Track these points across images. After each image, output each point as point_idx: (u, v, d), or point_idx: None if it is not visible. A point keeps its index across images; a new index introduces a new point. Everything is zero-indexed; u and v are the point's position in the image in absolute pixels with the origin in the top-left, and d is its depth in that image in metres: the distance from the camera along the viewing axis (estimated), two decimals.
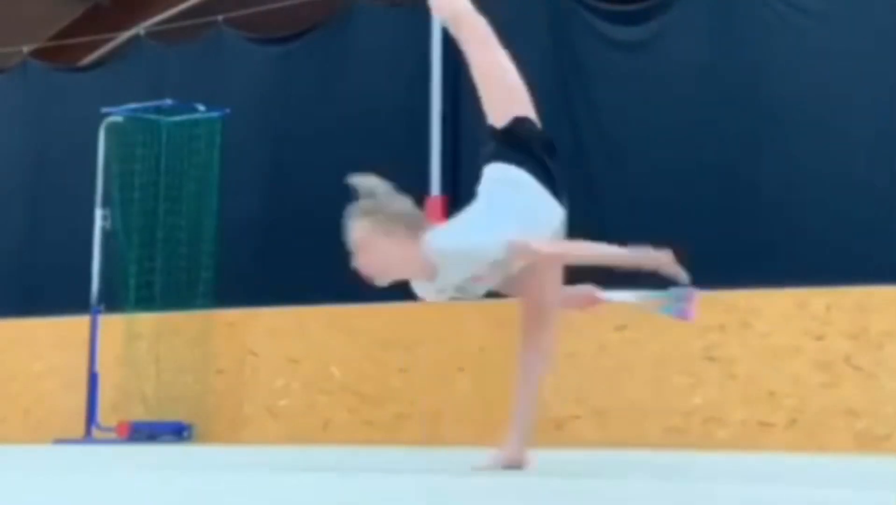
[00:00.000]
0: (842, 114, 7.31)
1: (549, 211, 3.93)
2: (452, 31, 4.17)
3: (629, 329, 6.77)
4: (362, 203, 3.88)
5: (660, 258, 3.81)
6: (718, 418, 6.50)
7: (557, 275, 4.12)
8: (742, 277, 6.81)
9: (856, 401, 6.21)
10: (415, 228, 3.80)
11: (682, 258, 7.40)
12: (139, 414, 8.08)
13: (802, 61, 7.42)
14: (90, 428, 8.00)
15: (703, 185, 7.49)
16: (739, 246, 7.39)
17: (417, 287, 3.98)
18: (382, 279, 3.89)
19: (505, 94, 4.06)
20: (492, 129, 4.10)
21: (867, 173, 7.21)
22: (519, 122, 4.04)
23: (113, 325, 8.19)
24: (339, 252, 9.69)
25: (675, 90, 7.66)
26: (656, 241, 7.84)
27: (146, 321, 8.29)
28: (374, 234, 3.80)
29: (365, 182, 3.86)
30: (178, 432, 7.89)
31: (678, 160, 7.56)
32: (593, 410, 6.72)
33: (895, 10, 7.20)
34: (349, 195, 10.23)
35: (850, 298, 6.34)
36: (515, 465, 4.07)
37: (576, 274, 4.10)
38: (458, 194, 8.46)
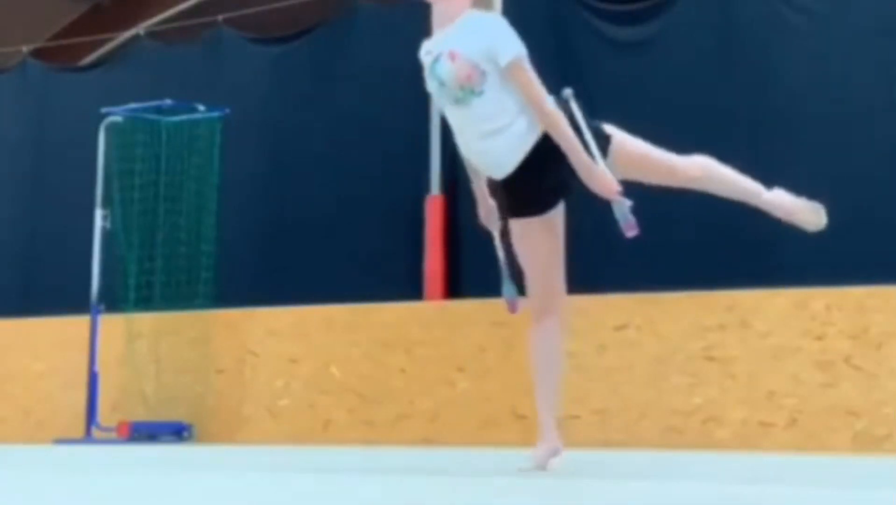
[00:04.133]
0: (842, 113, 7.31)
1: None
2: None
3: (629, 329, 6.77)
4: None
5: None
6: (718, 418, 6.50)
7: (562, 263, 4.20)
8: (742, 277, 6.81)
9: (855, 401, 6.21)
10: None
11: (678, 258, 7.34)
12: (139, 414, 8.07)
13: (802, 60, 7.43)
14: (90, 428, 7.99)
15: None
16: (739, 245, 7.38)
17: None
18: None
19: None
20: None
21: (867, 172, 7.21)
22: None
23: (113, 324, 8.19)
24: (338, 252, 9.72)
25: (675, 89, 7.66)
26: (656, 242, 7.85)
27: (146, 321, 8.29)
28: None
29: None
30: (178, 432, 7.89)
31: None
32: (593, 410, 6.72)
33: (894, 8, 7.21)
34: (349, 194, 10.20)
35: (850, 298, 6.34)
36: (554, 454, 4.11)
37: None
38: (458, 194, 8.46)
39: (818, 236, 7.21)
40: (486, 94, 4.00)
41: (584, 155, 3.99)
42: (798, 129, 7.39)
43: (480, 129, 4.02)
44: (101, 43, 10.83)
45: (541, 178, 4.06)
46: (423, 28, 8.78)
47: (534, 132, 4.03)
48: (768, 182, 7.51)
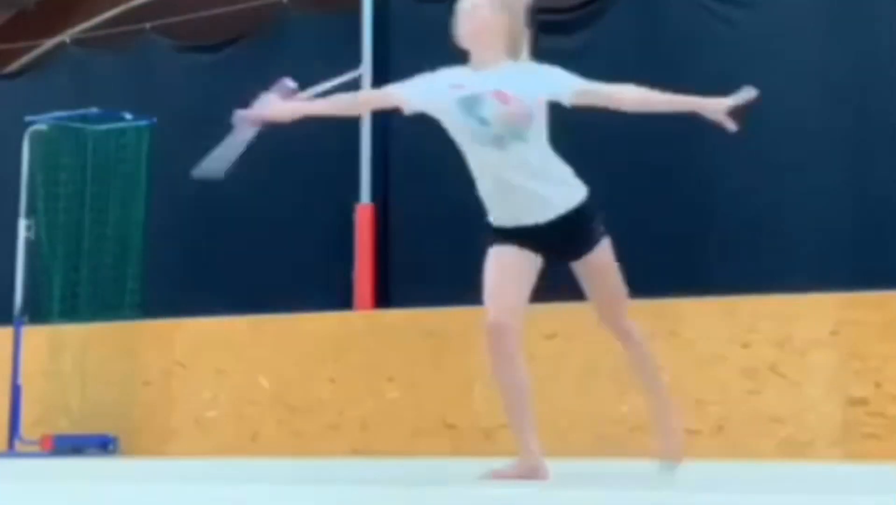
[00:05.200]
0: (769, 125, 7.42)
1: None
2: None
3: (558, 338, 6.80)
4: None
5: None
6: (646, 426, 6.53)
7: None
8: (670, 286, 6.87)
9: (780, 408, 6.29)
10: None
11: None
12: (64, 427, 7.95)
13: (729, 70, 7.53)
14: (13, 441, 7.86)
15: (632, 195, 7.55)
16: (667, 254, 7.46)
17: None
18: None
19: None
20: None
21: (792, 182, 7.33)
22: None
23: (37, 336, 8.06)
24: (267, 261, 9.64)
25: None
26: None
27: (71, 332, 8.17)
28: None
29: None
30: (103, 445, 7.78)
31: (607, 169, 7.62)
32: None
33: (823, 14, 7.34)
34: (278, 203, 10.14)
35: (776, 305, 6.42)
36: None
37: None
38: (388, 203, 8.45)
39: (744, 244, 7.36)
40: (530, 140, 4.06)
41: (692, 99, 4.21)
42: (726, 138, 7.48)
43: (525, 172, 4.07)
44: (26, 50, 10.66)
45: (546, 244, 4.15)
46: (354, 36, 8.79)
47: (580, 191, 4.18)
48: (697, 191, 7.63)
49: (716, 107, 4.13)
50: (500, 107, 4.02)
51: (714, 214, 7.48)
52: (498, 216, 4.16)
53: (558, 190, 4.12)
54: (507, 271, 4.15)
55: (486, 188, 4.15)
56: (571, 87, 4.10)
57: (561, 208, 4.11)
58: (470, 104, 4.06)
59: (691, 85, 7.63)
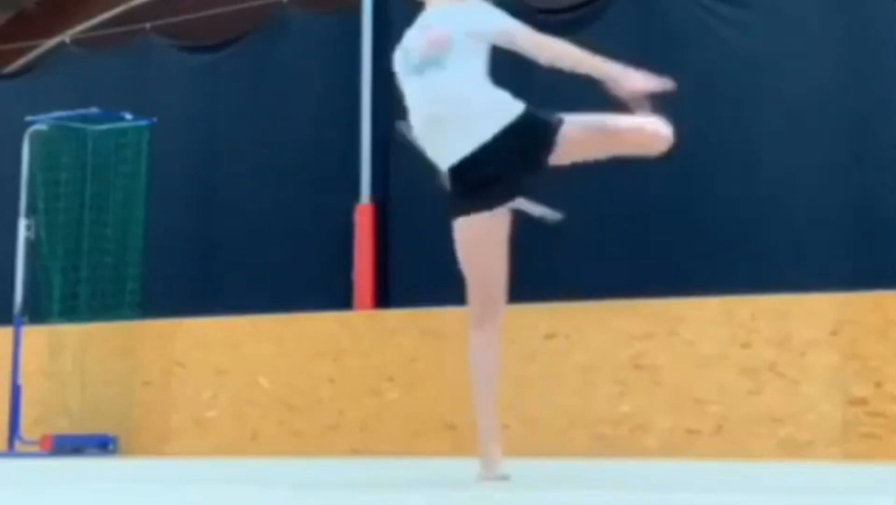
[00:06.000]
0: (768, 126, 7.43)
1: None
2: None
3: (558, 338, 6.81)
4: None
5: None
6: (645, 426, 6.55)
7: (505, 271, 4.15)
8: (669, 286, 6.88)
9: (780, 408, 6.30)
10: None
11: (607, 267, 7.33)
12: (63, 427, 7.95)
13: (728, 69, 7.54)
14: (13, 441, 7.86)
15: (631, 196, 7.55)
16: (666, 254, 7.46)
17: None
18: None
19: None
20: None
21: (792, 182, 7.33)
22: None
23: (37, 336, 8.06)
24: (267, 261, 9.62)
25: (603, 100, 7.73)
26: (585, 251, 7.85)
27: (71, 332, 8.17)
28: None
29: None
30: (103, 445, 7.78)
31: (606, 171, 7.61)
32: (522, 418, 6.73)
33: (823, 13, 7.35)
34: (278, 203, 10.13)
35: (775, 305, 6.43)
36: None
37: None
38: (389, 202, 8.45)
39: (744, 245, 7.36)
40: (448, 68, 3.99)
41: (605, 65, 4.07)
42: (724, 139, 7.49)
43: (441, 101, 3.98)
44: (26, 50, 10.67)
45: (495, 169, 3.98)
46: (353, 36, 8.79)
47: (492, 121, 3.99)
48: (695, 192, 7.63)
49: (617, 80, 4.07)
50: (422, 37, 4.05)
51: (714, 214, 7.48)
52: (433, 156, 4.08)
53: (479, 121, 3.99)
54: (465, 258, 4.08)
55: (416, 125, 4.08)
56: (495, 24, 4.07)
57: (475, 141, 3.98)
58: (406, 46, 4.12)
59: (690, 84, 7.69)
